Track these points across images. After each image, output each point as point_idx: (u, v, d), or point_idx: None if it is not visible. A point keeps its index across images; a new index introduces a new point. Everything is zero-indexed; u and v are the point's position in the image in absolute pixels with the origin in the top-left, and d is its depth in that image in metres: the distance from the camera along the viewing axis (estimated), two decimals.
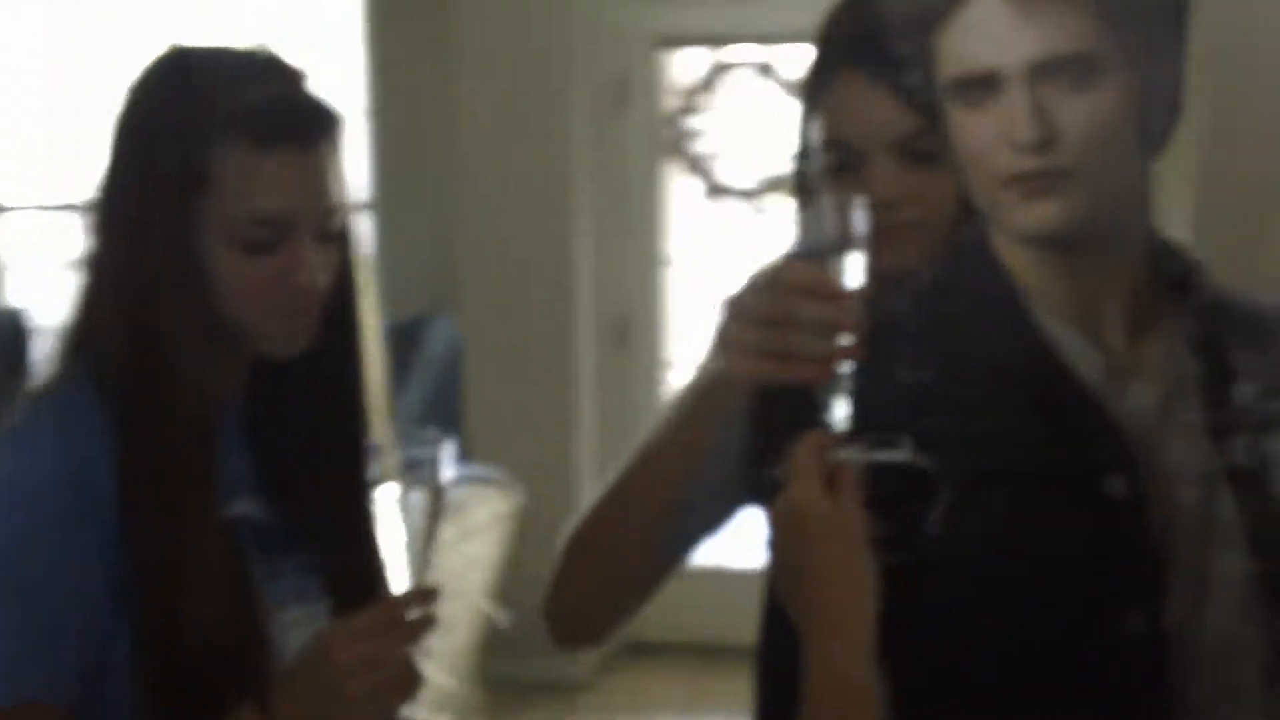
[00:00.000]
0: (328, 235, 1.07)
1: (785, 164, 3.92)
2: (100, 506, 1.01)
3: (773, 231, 3.90)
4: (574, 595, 1.13)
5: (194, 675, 1.03)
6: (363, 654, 0.98)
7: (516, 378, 3.71)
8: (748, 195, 3.87)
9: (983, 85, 0.96)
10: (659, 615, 4.43)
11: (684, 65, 3.86)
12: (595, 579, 1.13)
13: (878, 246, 0.95)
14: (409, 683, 1.02)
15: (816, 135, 1.17)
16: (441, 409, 4.74)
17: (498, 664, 3.31)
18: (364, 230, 4.23)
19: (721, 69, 3.82)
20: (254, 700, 1.00)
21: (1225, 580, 0.97)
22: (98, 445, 1.02)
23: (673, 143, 3.83)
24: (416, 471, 1.12)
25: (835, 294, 0.91)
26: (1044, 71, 0.94)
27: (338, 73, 5.26)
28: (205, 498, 1.05)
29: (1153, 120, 0.99)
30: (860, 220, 0.93)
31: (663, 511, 1.07)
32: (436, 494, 1.11)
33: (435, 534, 1.12)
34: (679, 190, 3.87)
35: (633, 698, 3.62)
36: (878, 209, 0.96)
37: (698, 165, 3.84)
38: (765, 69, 3.78)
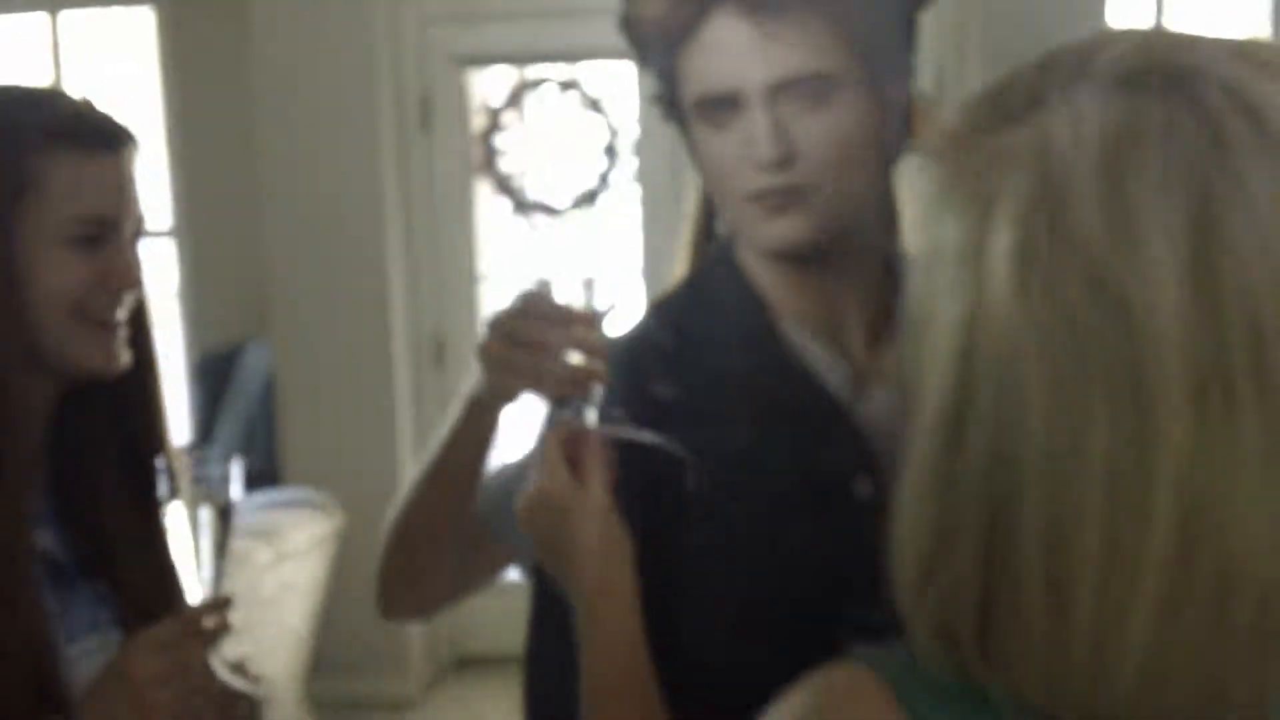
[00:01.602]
0: (135, 242, 1.12)
1: (590, 179, 3.98)
2: None
3: (579, 246, 3.98)
4: (397, 575, 1.18)
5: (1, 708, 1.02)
6: (162, 664, 1.01)
7: (334, 400, 3.68)
8: (553, 211, 3.93)
9: (725, 104, 0.99)
10: (484, 629, 4.47)
11: (489, 84, 3.89)
12: (415, 566, 1.17)
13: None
14: (208, 690, 1.04)
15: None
16: (259, 436, 4.66)
17: (324, 684, 3.29)
18: (168, 260, 4.18)
19: (526, 86, 3.87)
20: (62, 717, 1.01)
21: None
22: None
23: (481, 161, 3.85)
24: (205, 489, 1.14)
25: (575, 319, 0.98)
26: (782, 91, 0.97)
27: (132, 100, 5.14)
28: (18, 532, 1.05)
29: (890, 136, 1.02)
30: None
31: (457, 512, 1.12)
32: (223, 510, 1.14)
33: (225, 549, 1.15)
34: (488, 208, 3.91)
35: (461, 712, 3.63)
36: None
37: (505, 183, 3.88)
38: (568, 85, 3.84)
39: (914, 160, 0.59)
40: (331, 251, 3.64)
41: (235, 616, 2.56)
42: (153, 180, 5.17)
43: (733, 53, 0.98)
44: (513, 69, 3.87)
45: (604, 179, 3.84)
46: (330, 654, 3.22)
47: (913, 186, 0.58)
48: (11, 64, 5.19)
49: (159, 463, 1.16)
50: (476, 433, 1.07)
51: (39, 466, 1.11)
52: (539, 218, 3.93)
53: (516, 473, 1.10)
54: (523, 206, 3.89)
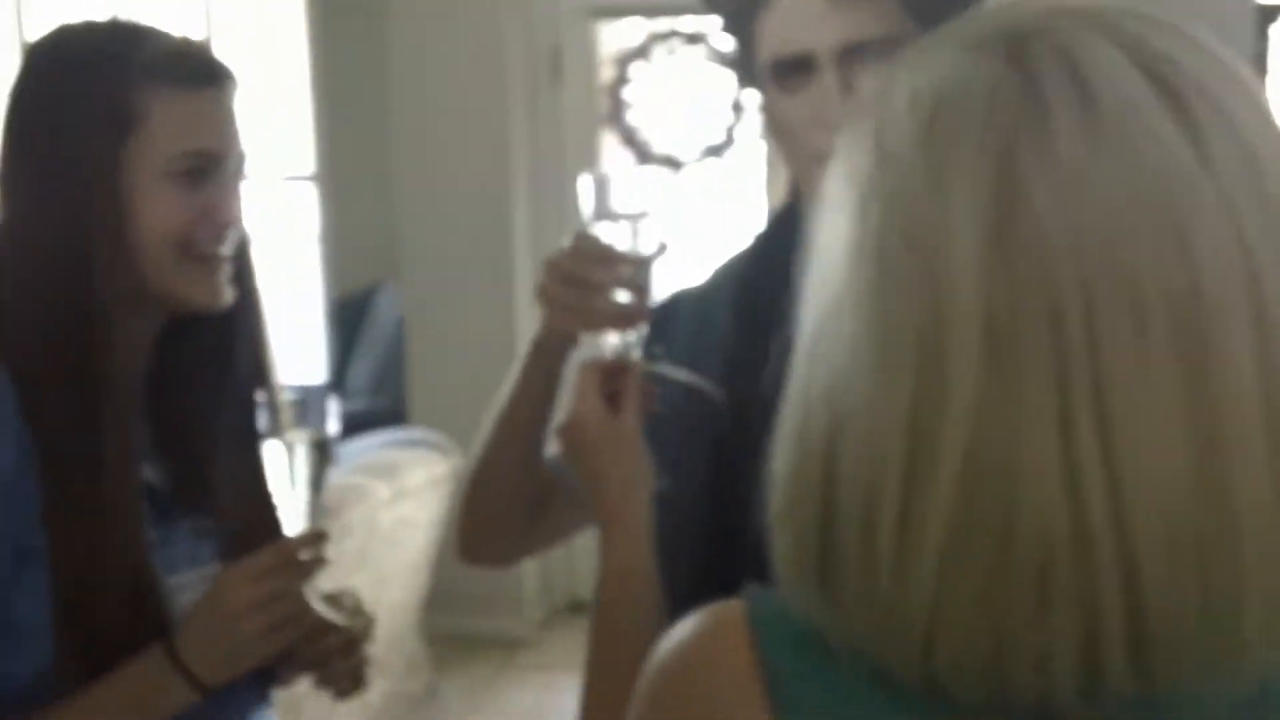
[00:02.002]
0: (238, 178, 1.12)
1: (716, 133, 4.00)
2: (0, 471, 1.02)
3: (704, 198, 3.99)
4: (473, 524, 1.23)
5: (103, 629, 1.06)
6: (256, 593, 1.04)
7: (457, 345, 3.78)
8: (678, 164, 3.94)
9: (797, 67, 1.03)
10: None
11: (617, 36, 3.91)
12: (489, 515, 1.22)
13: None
14: (302, 619, 1.07)
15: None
16: (389, 377, 4.81)
17: (440, 619, 3.41)
18: (310, 204, 4.33)
19: (654, 39, 3.88)
20: (161, 640, 1.05)
21: None
22: (2, 414, 1.03)
23: (608, 112, 3.89)
24: (302, 425, 1.17)
25: (621, 259, 1.03)
26: (852, 54, 1.01)
27: (280, 48, 5.30)
28: (124, 465, 1.07)
29: None
30: (622, 195, 1.05)
31: (526, 461, 1.16)
32: (320, 445, 1.16)
33: (322, 484, 1.17)
34: (614, 159, 3.94)
35: (571, 654, 3.69)
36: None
37: (631, 135, 3.91)
38: (695, 39, 3.84)
39: None
40: (459, 200, 3.72)
41: (352, 547, 2.66)
42: (297, 126, 5.33)
43: (805, 18, 1.02)
44: (642, 21, 3.89)
45: (730, 133, 3.84)
46: (447, 591, 3.33)
47: None
48: (165, 10, 5.40)
49: (259, 397, 1.18)
50: (540, 375, 1.12)
51: (141, 399, 1.13)
52: (664, 170, 3.95)
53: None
54: (648, 158, 3.92)
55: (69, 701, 1.05)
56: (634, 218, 1.04)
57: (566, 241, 1.05)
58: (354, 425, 4.25)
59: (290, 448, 1.17)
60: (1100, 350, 0.51)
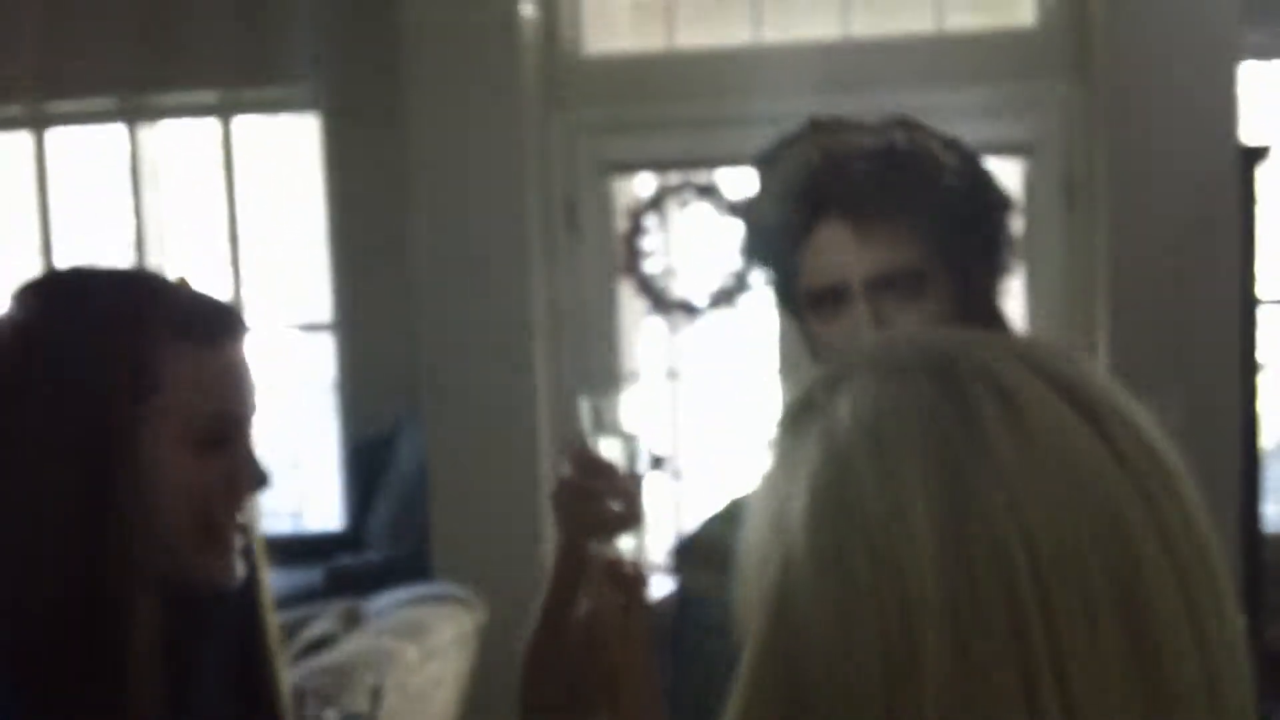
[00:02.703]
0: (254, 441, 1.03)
1: (727, 279, 4.07)
2: None
3: (718, 343, 4.06)
4: (531, 708, 1.26)
5: None
6: None
7: (480, 493, 3.81)
8: (693, 310, 4.02)
9: (831, 297, 1.12)
10: None
11: (631, 189, 4.03)
12: (538, 700, 1.25)
13: None
14: None
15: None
16: (408, 525, 4.82)
17: None
18: (325, 351, 4.39)
19: (668, 191, 3.99)
20: None
21: None
22: None
23: (625, 262, 3.98)
24: None
25: (610, 471, 1.10)
26: (881, 284, 1.10)
27: (298, 198, 5.44)
28: None
29: (975, 322, 1.14)
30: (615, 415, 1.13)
31: (564, 657, 1.20)
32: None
33: None
34: (631, 308, 4.02)
35: None
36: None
37: (647, 284, 3.99)
38: (706, 190, 3.95)
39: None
40: (481, 346, 3.79)
41: (382, 712, 2.65)
42: (315, 276, 5.44)
43: (838, 253, 1.11)
44: (654, 175, 4.01)
45: (741, 279, 3.93)
46: None
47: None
48: (193, 165, 5.55)
49: (304, 686, 1.15)
50: (566, 573, 1.17)
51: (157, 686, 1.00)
52: (678, 317, 4.03)
53: None
54: (662, 305, 4.00)
55: None
56: (628, 437, 1.12)
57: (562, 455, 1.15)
58: (375, 577, 4.26)
59: None
60: (1057, 630, 0.55)
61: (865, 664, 0.57)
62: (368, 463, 5.30)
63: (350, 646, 2.75)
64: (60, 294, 1.02)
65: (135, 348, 0.97)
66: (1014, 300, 3.82)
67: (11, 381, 0.97)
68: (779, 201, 1.14)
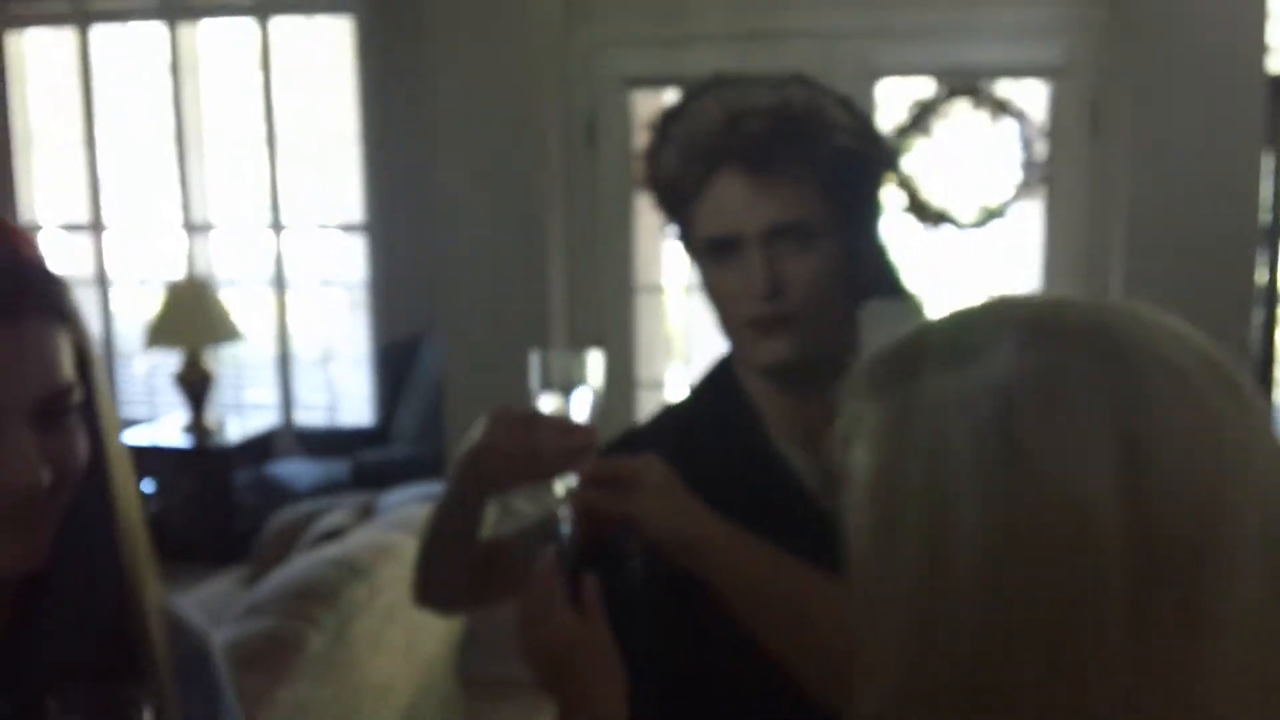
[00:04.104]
0: (52, 419, 0.89)
1: None
2: None
3: None
4: (422, 579, 1.35)
5: None
6: None
7: (496, 400, 3.88)
8: None
9: (728, 245, 1.17)
10: None
11: (652, 104, 4.04)
12: (427, 577, 1.35)
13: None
14: None
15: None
16: (433, 425, 4.95)
17: (476, 663, 3.54)
18: (357, 252, 4.48)
19: None
20: None
21: None
22: None
23: (641, 177, 4.01)
24: None
25: (555, 423, 1.15)
26: (775, 235, 1.15)
27: (332, 102, 5.49)
28: None
29: (858, 275, 1.20)
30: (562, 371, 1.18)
31: (464, 543, 1.28)
32: None
33: None
34: (646, 222, 4.06)
35: None
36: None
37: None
38: None
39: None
40: (497, 260, 3.85)
41: (384, 602, 2.75)
42: (347, 179, 5.52)
43: (733, 203, 1.16)
44: (677, 91, 4.01)
45: None
46: (481, 635, 3.45)
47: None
48: (231, 65, 5.61)
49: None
50: (474, 495, 1.24)
51: None
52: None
53: (534, 513, 1.26)
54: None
55: None
56: (569, 389, 1.17)
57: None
58: (399, 472, 4.40)
59: None
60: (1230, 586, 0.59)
61: (1039, 601, 0.58)
62: (397, 362, 5.42)
63: (354, 539, 2.87)
64: None
65: None
66: (1034, 223, 3.82)
67: None
68: (682, 154, 1.19)
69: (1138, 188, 3.56)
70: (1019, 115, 3.80)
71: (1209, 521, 0.59)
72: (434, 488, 3.47)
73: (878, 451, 0.67)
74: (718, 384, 1.28)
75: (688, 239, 1.23)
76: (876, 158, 1.20)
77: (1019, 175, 3.81)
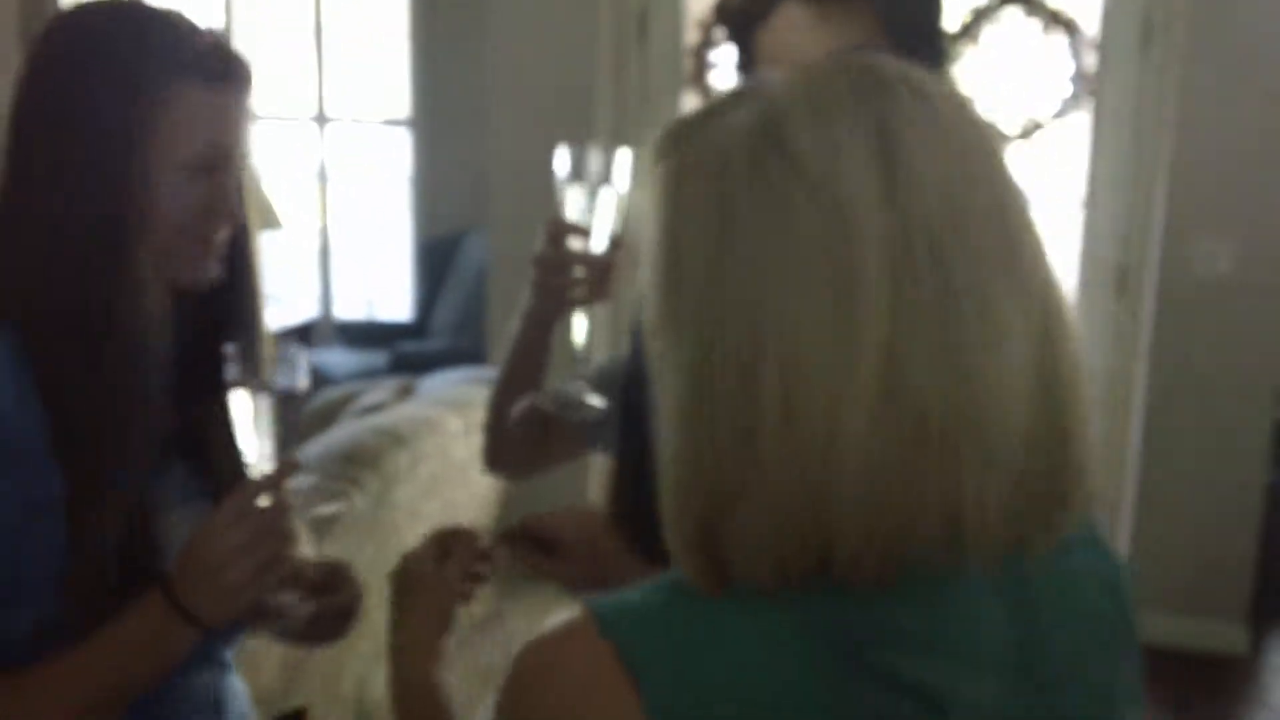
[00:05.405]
0: (241, 172, 1.16)
1: None
2: (7, 445, 1.05)
3: None
4: (492, 443, 1.44)
5: (105, 574, 1.09)
6: (239, 537, 1.07)
7: None
8: None
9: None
10: None
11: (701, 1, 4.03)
12: (496, 439, 1.43)
13: None
14: (282, 556, 1.09)
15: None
16: (472, 318, 5.02)
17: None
18: (404, 149, 4.54)
19: None
20: (158, 584, 1.08)
21: None
22: (12, 391, 1.06)
23: (691, 74, 4.01)
24: (265, 378, 1.27)
25: (575, 230, 1.22)
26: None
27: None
28: (139, 419, 1.10)
29: None
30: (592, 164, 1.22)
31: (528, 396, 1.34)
32: (286, 396, 1.27)
33: (289, 433, 1.28)
34: None
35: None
36: None
37: (711, 95, 4.03)
38: None
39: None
40: (546, 153, 3.85)
41: (425, 473, 2.83)
42: (397, 72, 5.53)
43: (795, 30, 1.20)
44: None
45: None
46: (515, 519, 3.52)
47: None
48: None
49: (228, 349, 1.25)
50: (534, 338, 1.33)
51: (154, 361, 1.14)
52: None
53: (596, 373, 1.32)
54: None
55: (74, 651, 1.07)
56: (596, 182, 1.22)
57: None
58: (437, 361, 4.47)
59: (258, 397, 1.27)
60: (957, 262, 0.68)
61: (811, 292, 0.66)
62: (438, 258, 5.47)
63: (396, 412, 2.94)
64: (77, 26, 1.12)
65: (142, 80, 1.09)
66: (1081, 135, 3.81)
67: (32, 101, 1.10)
68: None
69: (1186, 101, 3.54)
70: (1070, 26, 3.77)
71: (954, 210, 0.68)
72: (475, 370, 3.53)
73: (664, 192, 0.73)
74: None
75: (748, 69, 1.26)
76: None
77: (1068, 88, 3.79)
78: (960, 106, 0.73)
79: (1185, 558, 3.70)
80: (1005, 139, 0.74)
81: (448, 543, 1.20)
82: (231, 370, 1.25)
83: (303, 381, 1.25)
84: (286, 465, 1.14)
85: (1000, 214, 0.70)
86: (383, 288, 5.92)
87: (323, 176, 5.76)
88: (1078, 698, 0.76)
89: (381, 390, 3.39)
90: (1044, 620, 0.75)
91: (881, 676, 0.68)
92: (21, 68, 1.11)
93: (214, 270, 1.17)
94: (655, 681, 0.68)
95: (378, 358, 5.15)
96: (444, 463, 2.91)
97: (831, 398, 0.66)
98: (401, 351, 5.07)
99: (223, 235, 1.16)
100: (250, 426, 1.25)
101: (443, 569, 1.18)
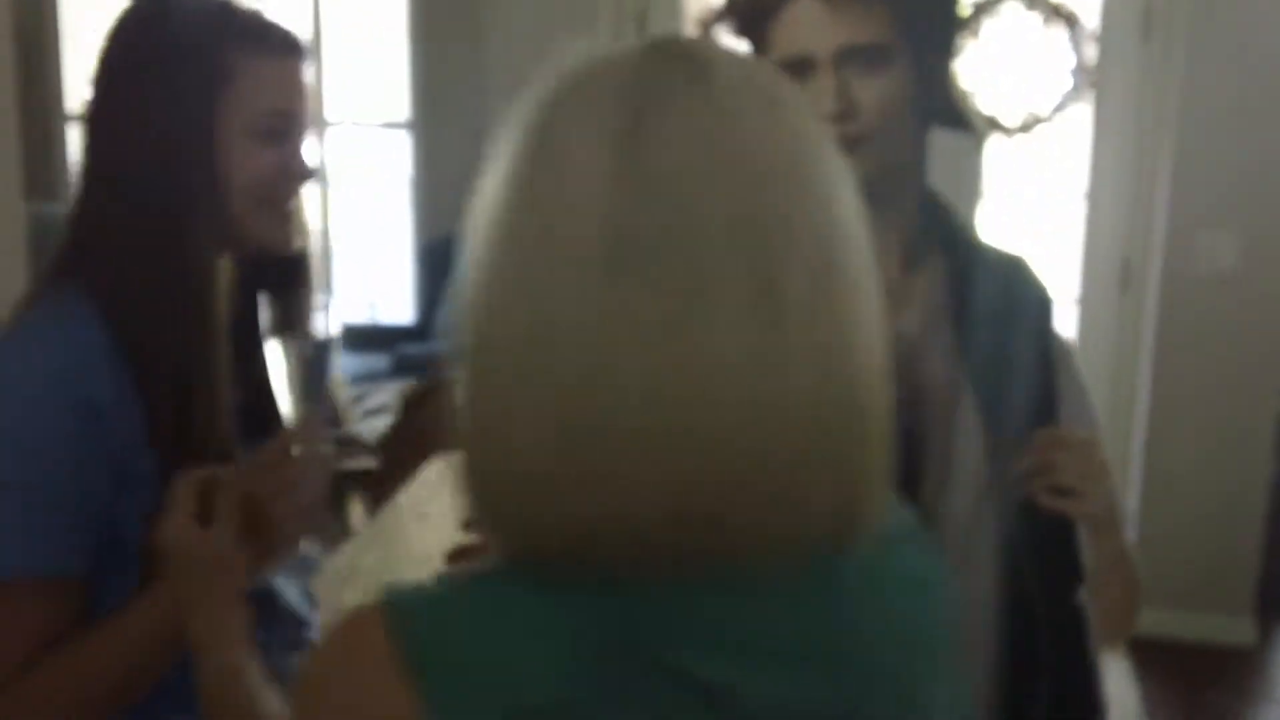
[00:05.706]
0: (310, 137, 1.23)
1: None
2: (97, 406, 1.10)
3: None
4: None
5: None
6: (278, 483, 1.12)
7: None
8: None
9: (800, 66, 1.19)
10: None
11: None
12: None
13: None
14: (316, 504, 1.15)
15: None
16: None
17: None
18: (404, 151, 4.56)
19: None
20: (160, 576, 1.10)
21: (964, 463, 1.19)
22: (96, 353, 1.11)
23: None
24: (297, 332, 1.30)
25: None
26: (847, 57, 1.17)
27: (379, 4, 5.48)
28: (220, 393, 1.16)
29: (926, 101, 1.22)
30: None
31: None
32: (314, 345, 1.29)
33: (318, 384, 1.31)
34: None
35: None
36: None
37: None
38: None
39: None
40: None
41: (435, 471, 2.80)
42: (395, 76, 5.52)
43: (808, 25, 1.18)
44: None
45: None
46: None
47: None
48: None
49: (260, 298, 1.29)
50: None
51: (227, 330, 1.21)
52: None
53: None
54: None
55: (118, 616, 1.12)
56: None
57: None
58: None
59: (287, 350, 1.28)
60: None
61: (535, 278, 0.67)
62: (439, 260, 5.46)
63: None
64: (161, 6, 1.19)
65: (211, 49, 1.16)
66: (1082, 126, 3.80)
67: (112, 73, 1.18)
68: None
69: (1188, 94, 3.53)
70: (1070, 19, 3.76)
71: (689, 204, 0.66)
72: None
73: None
74: None
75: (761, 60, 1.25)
76: None
77: (1068, 81, 3.78)
78: (769, 101, 0.70)
79: (1191, 552, 3.69)
80: (829, 135, 0.72)
81: (207, 501, 1.06)
82: (266, 321, 1.30)
83: (335, 329, 1.30)
84: (315, 417, 1.21)
85: (751, 217, 0.67)
86: (385, 290, 5.92)
87: (323, 180, 5.76)
88: (879, 697, 0.74)
89: (385, 394, 3.39)
90: (847, 618, 0.73)
91: (671, 673, 0.67)
92: (100, 49, 1.19)
93: (297, 237, 1.24)
94: (435, 681, 0.66)
95: (380, 360, 5.15)
96: (447, 463, 2.90)
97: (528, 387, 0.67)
98: (404, 354, 5.07)
99: (297, 201, 1.23)
100: (285, 377, 1.28)
101: (207, 538, 1.05)
